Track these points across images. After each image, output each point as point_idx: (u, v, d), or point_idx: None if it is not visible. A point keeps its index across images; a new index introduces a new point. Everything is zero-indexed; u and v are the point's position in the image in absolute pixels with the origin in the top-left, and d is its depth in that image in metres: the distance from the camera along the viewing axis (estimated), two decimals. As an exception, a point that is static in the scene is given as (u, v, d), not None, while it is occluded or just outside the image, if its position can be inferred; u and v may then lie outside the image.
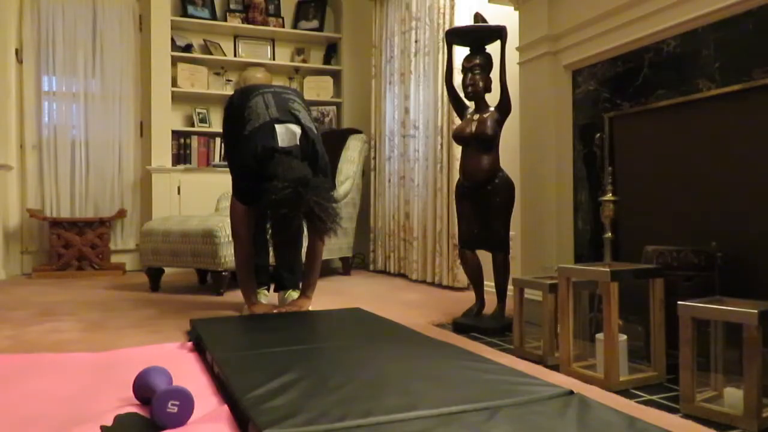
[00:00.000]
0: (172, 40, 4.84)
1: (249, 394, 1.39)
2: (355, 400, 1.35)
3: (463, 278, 3.54)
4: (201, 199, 4.79)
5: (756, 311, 1.37)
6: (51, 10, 4.62)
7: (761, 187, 1.74)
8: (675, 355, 1.61)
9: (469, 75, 2.55)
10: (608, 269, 1.69)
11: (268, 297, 2.85)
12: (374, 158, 4.72)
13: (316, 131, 2.60)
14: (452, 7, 3.67)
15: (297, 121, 2.54)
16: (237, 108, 2.66)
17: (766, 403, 1.41)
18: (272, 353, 1.80)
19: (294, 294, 2.85)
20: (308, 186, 2.23)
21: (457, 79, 2.83)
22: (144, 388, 1.43)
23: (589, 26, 2.35)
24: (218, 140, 4.99)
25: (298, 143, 2.49)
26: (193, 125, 4.94)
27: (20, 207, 4.57)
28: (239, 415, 1.34)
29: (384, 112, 4.61)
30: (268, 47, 5.23)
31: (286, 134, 2.48)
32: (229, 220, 3.38)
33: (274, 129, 2.47)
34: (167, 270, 3.83)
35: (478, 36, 2.58)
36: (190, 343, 2.10)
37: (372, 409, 1.29)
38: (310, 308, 2.78)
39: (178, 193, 4.78)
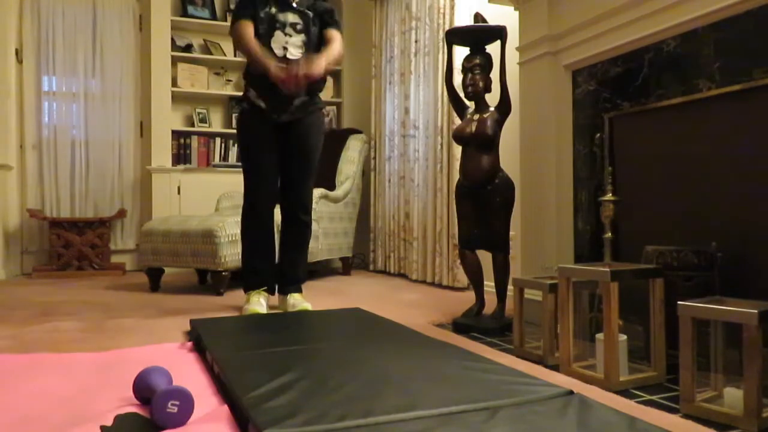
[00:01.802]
0: (172, 40, 4.84)
1: (249, 394, 1.39)
2: (355, 400, 1.35)
3: (463, 278, 3.54)
4: (201, 199, 4.79)
5: (756, 311, 1.37)
6: (51, 10, 4.62)
7: (761, 187, 1.74)
8: (675, 355, 1.62)
9: (469, 75, 2.55)
10: (608, 269, 1.69)
11: (269, 299, 2.85)
12: (374, 158, 4.72)
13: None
14: (452, 7, 3.67)
15: None
16: None
17: (766, 403, 1.41)
18: (272, 353, 1.80)
19: (296, 296, 2.85)
20: None
21: (457, 79, 2.83)
22: (144, 388, 1.43)
23: (589, 26, 2.35)
24: (218, 140, 4.99)
25: None
26: (193, 125, 4.95)
27: (20, 207, 4.57)
28: (239, 415, 1.34)
29: (384, 112, 4.61)
30: (268, 47, 5.23)
31: None
32: (229, 220, 3.40)
33: None
34: (167, 270, 3.83)
35: (478, 36, 2.58)
36: (190, 343, 2.10)
37: (372, 409, 1.29)
38: (310, 308, 2.78)
39: (178, 193, 4.78)
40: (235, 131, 4.95)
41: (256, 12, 2.67)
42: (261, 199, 2.77)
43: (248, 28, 2.66)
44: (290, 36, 2.70)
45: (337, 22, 2.80)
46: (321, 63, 2.57)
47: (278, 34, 2.69)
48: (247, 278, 2.86)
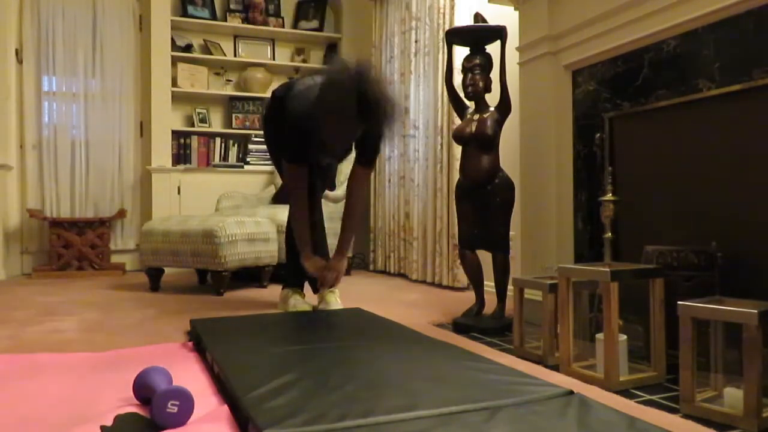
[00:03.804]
0: (172, 40, 4.84)
1: (249, 394, 1.39)
2: (355, 400, 1.35)
3: (463, 278, 3.54)
4: (201, 199, 4.80)
5: (756, 311, 1.37)
6: (51, 10, 4.62)
7: (761, 187, 1.74)
8: (675, 355, 1.61)
9: (469, 75, 2.56)
10: (608, 269, 1.69)
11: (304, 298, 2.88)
12: (374, 158, 4.72)
13: None
14: (452, 7, 3.67)
15: None
16: (281, 99, 2.68)
17: (766, 403, 1.41)
18: (272, 353, 1.80)
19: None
20: (367, 70, 2.27)
21: (457, 79, 2.83)
22: (144, 388, 1.43)
23: (589, 26, 2.35)
24: (218, 140, 5.00)
25: None
26: (193, 125, 4.95)
27: (20, 207, 4.57)
28: (239, 415, 1.34)
29: (384, 112, 4.60)
30: (268, 47, 5.23)
31: None
32: (229, 221, 3.41)
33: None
34: (167, 270, 3.83)
35: (478, 36, 2.58)
36: (190, 343, 2.10)
37: (372, 409, 1.29)
38: (309, 308, 2.78)
39: (178, 193, 4.78)
40: (234, 131, 4.99)
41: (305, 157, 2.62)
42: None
43: (304, 187, 2.65)
44: (321, 180, 2.83)
45: (377, 149, 2.66)
46: (342, 268, 2.77)
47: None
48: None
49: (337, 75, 2.27)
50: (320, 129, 2.31)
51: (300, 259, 2.75)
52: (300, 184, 2.66)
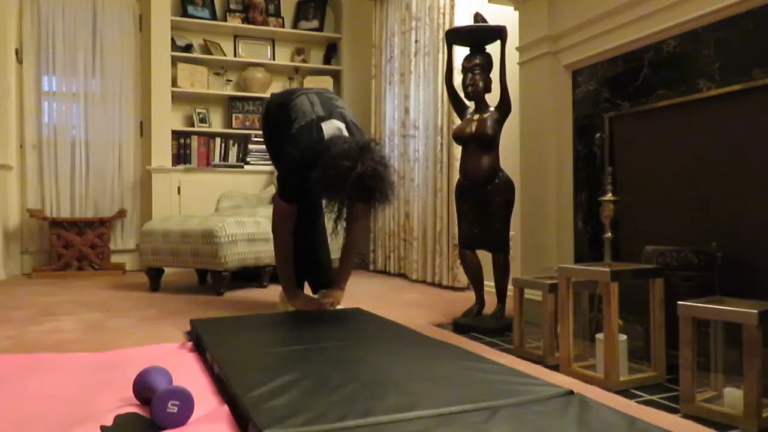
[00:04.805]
0: (172, 40, 4.84)
1: (249, 394, 1.39)
2: (355, 400, 1.35)
3: (463, 278, 3.54)
4: (201, 199, 4.80)
5: (756, 311, 1.37)
6: (51, 10, 4.62)
7: (761, 187, 1.74)
8: (675, 355, 1.62)
9: (469, 75, 2.56)
10: (608, 269, 1.69)
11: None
12: (374, 158, 4.72)
13: (360, 128, 2.63)
14: (452, 7, 3.67)
15: (342, 118, 2.56)
16: (279, 106, 2.68)
17: (766, 403, 1.41)
18: (272, 353, 1.80)
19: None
20: (370, 149, 2.27)
21: (457, 79, 2.83)
22: (144, 388, 1.43)
23: (589, 26, 2.35)
24: (218, 140, 5.00)
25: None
26: (193, 125, 4.95)
27: (20, 207, 4.57)
28: (239, 415, 1.34)
29: (384, 112, 4.61)
30: (268, 47, 5.23)
31: (332, 131, 2.49)
32: (229, 221, 3.41)
33: (320, 126, 2.48)
34: (167, 270, 3.83)
35: (478, 36, 2.58)
36: (190, 343, 2.10)
37: (372, 409, 1.29)
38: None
39: (178, 193, 4.78)
40: (234, 131, 5.00)
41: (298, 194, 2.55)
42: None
43: (289, 229, 2.61)
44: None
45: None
46: (340, 298, 2.75)
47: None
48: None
49: (341, 153, 2.25)
50: (315, 190, 2.32)
51: (298, 262, 2.75)
52: (285, 224, 2.62)
